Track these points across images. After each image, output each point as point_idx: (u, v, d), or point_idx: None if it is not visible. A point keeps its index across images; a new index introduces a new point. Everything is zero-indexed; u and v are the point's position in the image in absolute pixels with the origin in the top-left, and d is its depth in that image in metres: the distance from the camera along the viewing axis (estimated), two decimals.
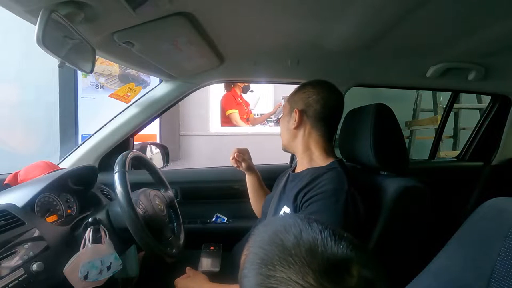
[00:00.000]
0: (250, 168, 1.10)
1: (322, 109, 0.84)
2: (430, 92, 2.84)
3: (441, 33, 0.90)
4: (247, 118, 3.48)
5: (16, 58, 2.36)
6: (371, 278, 0.30)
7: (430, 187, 0.79)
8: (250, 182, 1.13)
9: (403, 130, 2.20)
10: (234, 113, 3.40)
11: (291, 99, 0.91)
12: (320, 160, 0.84)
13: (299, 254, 0.31)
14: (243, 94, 3.45)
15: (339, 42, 0.97)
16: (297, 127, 0.86)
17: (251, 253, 0.35)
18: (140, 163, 0.96)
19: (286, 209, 0.79)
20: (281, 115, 0.95)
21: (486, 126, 1.56)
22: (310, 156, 0.86)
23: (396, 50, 1.05)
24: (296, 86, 0.94)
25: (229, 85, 3.27)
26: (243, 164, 1.08)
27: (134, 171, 1.20)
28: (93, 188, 0.95)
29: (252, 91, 3.40)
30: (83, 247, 0.71)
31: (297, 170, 0.89)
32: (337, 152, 0.98)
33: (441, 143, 2.56)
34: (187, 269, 0.93)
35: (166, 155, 1.35)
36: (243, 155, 1.07)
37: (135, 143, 1.29)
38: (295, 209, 0.76)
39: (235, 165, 1.09)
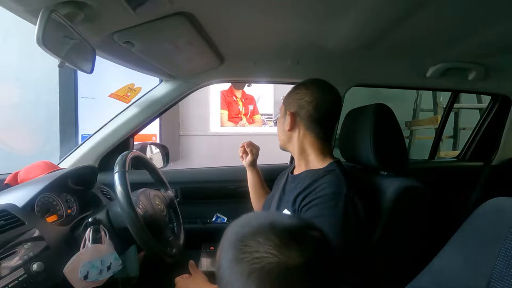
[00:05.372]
0: (253, 164, 1.11)
1: (315, 110, 0.82)
2: (430, 92, 2.84)
3: (441, 33, 0.90)
4: (245, 115, 3.47)
5: (16, 58, 2.36)
6: (321, 237, 0.42)
7: (430, 187, 0.79)
8: (250, 180, 1.14)
9: (403, 130, 2.20)
10: (222, 113, 3.42)
11: (285, 100, 0.90)
12: (317, 162, 0.83)
13: (264, 230, 0.39)
14: (246, 90, 3.45)
15: (339, 42, 0.97)
16: (291, 129, 0.85)
17: (223, 248, 0.43)
18: (140, 163, 0.96)
19: (286, 212, 0.78)
20: (279, 116, 0.95)
21: (486, 126, 1.56)
22: (306, 158, 0.85)
23: (396, 50, 1.05)
24: None
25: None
26: (249, 157, 1.09)
27: (134, 171, 1.20)
28: (93, 188, 0.95)
29: (249, 86, 3.38)
30: (83, 247, 0.71)
31: (296, 171, 0.89)
32: (337, 152, 0.98)
33: (441, 143, 2.56)
34: (190, 264, 0.91)
35: (166, 155, 1.35)
36: (252, 147, 1.09)
37: (135, 143, 1.29)
38: (294, 212, 0.76)
39: (240, 154, 1.11)
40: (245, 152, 1.10)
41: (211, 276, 0.90)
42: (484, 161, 1.55)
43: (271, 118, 3.53)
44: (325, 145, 0.85)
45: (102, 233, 0.75)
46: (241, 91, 3.46)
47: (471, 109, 2.74)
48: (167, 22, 0.72)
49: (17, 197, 0.71)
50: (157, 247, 0.77)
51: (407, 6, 0.72)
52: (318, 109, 0.82)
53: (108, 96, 2.48)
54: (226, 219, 1.32)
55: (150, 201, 0.87)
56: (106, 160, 1.18)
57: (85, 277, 0.68)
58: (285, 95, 0.92)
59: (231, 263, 0.39)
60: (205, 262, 0.99)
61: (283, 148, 0.93)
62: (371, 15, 0.78)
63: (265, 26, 0.85)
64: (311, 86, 0.85)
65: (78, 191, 0.90)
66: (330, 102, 0.84)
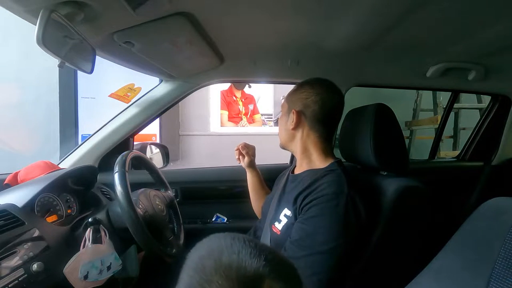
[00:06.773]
0: (251, 165, 1.11)
1: (321, 110, 0.82)
2: (430, 92, 2.84)
3: (441, 33, 0.90)
4: (245, 115, 3.48)
5: (16, 58, 2.36)
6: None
7: (430, 187, 0.79)
8: (250, 180, 1.14)
9: (403, 130, 2.20)
10: (222, 114, 3.43)
11: (289, 98, 0.89)
12: (319, 162, 0.84)
13: (215, 279, 0.32)
14: (245, 90, 3.46)
15: (339, 42, 0.97)
16: (295, 128, 0.85)
17: (181, 279, 0.36)
18: (140, 163, 0.96)
19: (286, 211, 0.79)
20: (280, 115, 0.95)
21: (486, 126, 1.56)
22: (309, 158, 0.85)
23: (396, 50, 1.05)
24: None
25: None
26: (246, 159, 1.09)
27: (134, 171, 1.20)
28: (93, 188, 0.95)
29: (250, 87, 3.39)
30: (83, 247, 0.71)
31: (296, 171, 0.89)
32: (337, 152, 0.98)
33: (441, 143, 2.56)
34: None
35: (166, 155, 1.35)
36: (248, 149, 1.09)
37: (135, 143, 1.29)
38: (294, 212, 0.76)
39: (237, 157, 1.11)
40: (241, 154, 1.10)
41: None
42: (484, 161, 1.55)
43: (271, 118, 3.53)
44: (327, 145, 0.86)
45: (102, 233, 0.75)
46: (241, 91, 3.47)
47: (471, 109, 2.74)
48: (167, 22, 0.72)
49: (17, 197, 0.71)
50: (157, 247, 0.77)
51: (407, 6, 0.72)
52: (323, 109, 0.82)
53: (108, 96, 2.48)
54: (226, 219, 1.32)
55: (150, 201, 0.87)
56: (106, 160, 1.18)
57: (85, 277, 0.68)
58: (285, 95, 0.92)
59: None
60: None
61: (283, 147, 0.93)
62: (371, 15, 0.78)
63: (265, 26, 0.85)
64: (316, 86, 0.85)
65: (78, 191, 0.90)
66: (335, 102, 0.84)
